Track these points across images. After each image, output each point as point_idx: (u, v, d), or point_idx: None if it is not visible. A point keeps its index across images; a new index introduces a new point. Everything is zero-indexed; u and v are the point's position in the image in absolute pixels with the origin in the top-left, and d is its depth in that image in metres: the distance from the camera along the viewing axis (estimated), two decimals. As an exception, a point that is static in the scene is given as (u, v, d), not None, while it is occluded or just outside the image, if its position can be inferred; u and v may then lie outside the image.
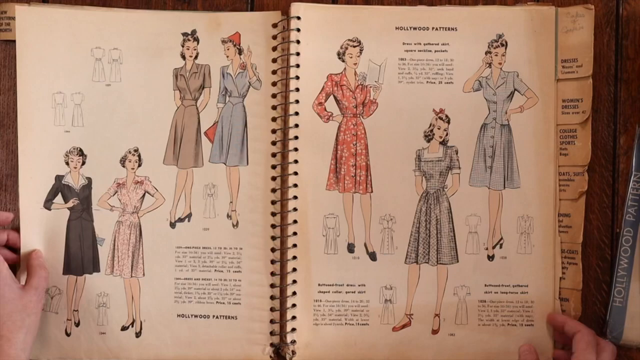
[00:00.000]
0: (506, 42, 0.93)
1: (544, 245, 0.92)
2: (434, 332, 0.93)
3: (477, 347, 0.93)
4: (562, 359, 0.92)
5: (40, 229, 0.93)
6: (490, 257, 0.93)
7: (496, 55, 0.93)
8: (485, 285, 0.93)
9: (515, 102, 0.93)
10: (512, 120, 0.93)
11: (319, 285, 0.92)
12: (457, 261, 0.93)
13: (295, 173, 0.93)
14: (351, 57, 0.94)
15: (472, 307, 0.93)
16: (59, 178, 0.93)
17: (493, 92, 0.93)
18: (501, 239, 0.93)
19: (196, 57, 0.95)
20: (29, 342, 0.85)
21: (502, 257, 0.93)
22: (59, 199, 0.93)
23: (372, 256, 0.93)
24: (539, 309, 0.92)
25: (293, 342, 0.92)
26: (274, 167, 0.93)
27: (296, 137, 0.93)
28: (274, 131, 0.94)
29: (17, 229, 0.93)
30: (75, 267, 0.93)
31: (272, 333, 0.93)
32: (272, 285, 0.93)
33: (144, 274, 0.94)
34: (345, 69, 0.94)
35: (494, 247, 0.93)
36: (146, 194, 0.94)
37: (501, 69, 0.93)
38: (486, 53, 0.93)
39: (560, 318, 0.91)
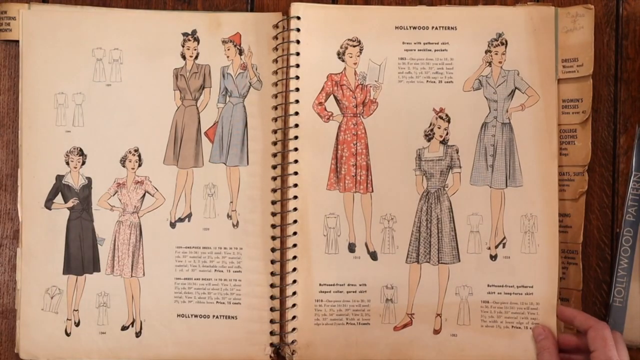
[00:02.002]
0: (506, 41, 0.93)
1: (548, 244, 0.92)
2: (436, 332, 0.93)
3: (480, 349, 0.92)
4: (570, 343, 0.90)
5: (41, 229, 0.93)
6: (493, 257, 0.93)
7: (496, 54, 0.93)
8: (488, 285, 0.92)
9: (516, 100, 0.93)
10: (513, 118, 0.93)
11: (320, 285, 0.92)
12: (459, 261, 0.93)
13: (296, 173, 0.93)
14: (351, 57, 0.94)
15: (475, 307, 0.92)
16: (59, 178, 0.93)
17: (493, 90, 0.93)
18: (504, 238, 0.92)
19: (196, 57, 0.95)
20: None
21: (505, 257, 0.93)
22: (59, 198, 0.93)
23: (373, 256, 0.93)
24: (545, 311, 0.91)
25: (294, 341, 0.92)
26: (274, 167, 0.93)
27: (296, 137, 0.93)
28: (274, 131, 0.94)
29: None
30: (76, 266, 0.93)
31: (272, 333, 0.92)
32: (272, 285, 0.93)
33: (144, 274, 0.93)
34: (345, 68, 0.94)
35: (496, 247, 0.93)
36: (146, 194, 0.94)
37: (501, 67, 0.93)
38: (486, 52, 0.93)
39: (569, 312, 0.89)
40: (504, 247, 0.92)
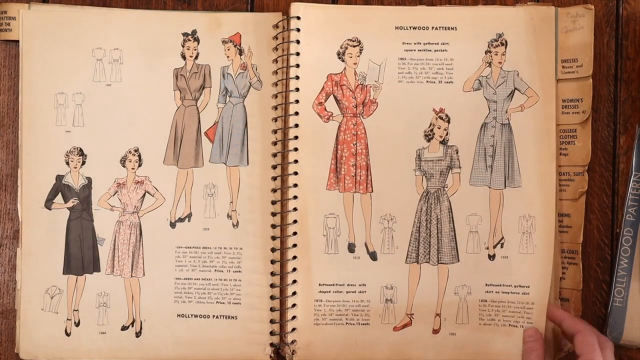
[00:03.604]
0: (506, 42, 0.93)
1: (545, 245, 0.92)
2: (435, 331, 0.93)
3: (477, 347, 0.92)
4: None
5: (41, 229, 0.93)
6: (491, 257, 0.93)
7: (496, 54, 0.93)
8: (486, 284, 0.92)
9: (515, 101, 0.93)
10: (513, 119, 0.93)
11: (319, 285, 0.92)
12: (458, 261, 0.93)
13: (296, 173, 0.93)
14: (351, 57, 0.94)
15: (473, 306, 0.92)
16: (59, 178, 0.93)
17: (493, 91, 0.93)
18: (502, 238, 0.92)
19: (196, 57, 0.95)
20: None
21: (503, 257, 0.92)
22: (59, 198, 0.93)
23: (373, 256, 0.93)
24: (538, 311, 0.91)
25: (293, 342, 0.92)
26: (274, 167, 0.93)
27: (296, 137, 0.93)
28: (274, 131, 0.94)
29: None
30: (76, 267, 0.93)
31: (272, 333, 0.93)
32: (272, 285, 0.93)
33: (144, 274, 0.94)
34: (345, 68, 0.94)
35: (494, 247, 0.93)
36: (146, 193, 0.94)
37: (501, 68, 0.93)
38: (486, 52, 0.93)
39: (558, 313, 0.89)
40: (502, 247, 0.92)
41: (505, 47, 0.93)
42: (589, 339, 0.82)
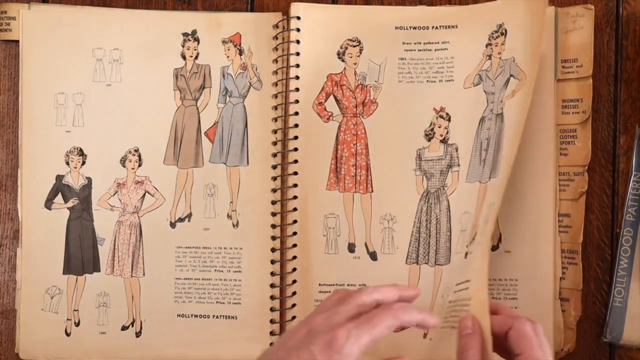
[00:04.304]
0: (506, 30, 0.90)
1: (488, 233, 0.81)
2: (425, 336, 0.89)
3: (434, 353, 0.86)
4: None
5: (41, 229, 0.93)
6: (466, 255, 0.86)
7: (496, 45, 0.90)
8: (456, 284, 0.84)
9: (509, 88, 0.88)
10: (506, 107, 0.88)
11: (319, 285, 0.92)
12: (449, 262, 0.90)
13: (296, 173, 0.93)
14: (351, 57, 0.94)
15: (444, 310, 0.85)
16: (59, 178, 0.93)
17: (492, 83, 0.90)
18: (476, 233, 0.85)
19: (196, 57, 0.95)
20: None
21: (469, 253, 0.85)
22: (59, 198, 0.93)
23: (373, 256, 0.93)
24: (477, 307, 0.75)
25: (293, 341, 0.92)
26: (274, 167, 0.93)
27: (296, 137, 0.93)
28: (274, 131, 0.94)
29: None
30: (76, 267, 0.93)
31: (272, 333, 0.92)
32: (272, 285, 0.93)
33: (144, 274, 0.93)
34: (345, 68, 0.94)
35: (470, 244, 0.86)
36: (146, 194, 0.94)
37: (500, 58, 0.91)
38: (487, 46, 0.91)
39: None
40: (473, 241, 0.85)
41: (505, 36, 0.90)
42: (524, 333, 0.71)
